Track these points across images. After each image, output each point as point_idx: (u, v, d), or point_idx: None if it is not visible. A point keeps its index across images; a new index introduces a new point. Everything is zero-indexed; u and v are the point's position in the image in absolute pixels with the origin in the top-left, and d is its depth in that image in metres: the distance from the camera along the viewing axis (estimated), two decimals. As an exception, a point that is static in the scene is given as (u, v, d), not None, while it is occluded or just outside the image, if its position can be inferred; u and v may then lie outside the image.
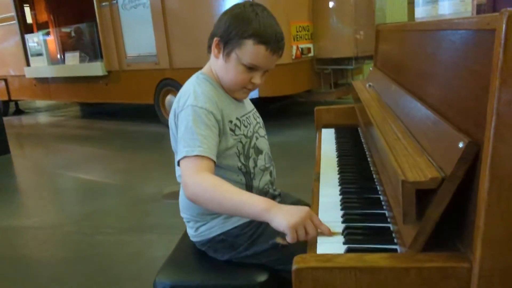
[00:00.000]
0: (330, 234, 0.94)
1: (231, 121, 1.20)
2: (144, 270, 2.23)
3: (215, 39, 1.18)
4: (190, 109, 1.12)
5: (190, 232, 1.30)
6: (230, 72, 1.18)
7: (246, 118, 1.27)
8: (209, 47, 1.22)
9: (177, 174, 1.27)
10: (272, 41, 1.13)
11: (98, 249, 2.57)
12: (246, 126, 1.25)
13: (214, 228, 1.23)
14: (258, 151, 1.27)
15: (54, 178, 4.29)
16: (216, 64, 1.21)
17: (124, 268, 2.31)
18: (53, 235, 2.85)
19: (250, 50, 1.13)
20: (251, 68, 1.16)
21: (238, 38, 1.12)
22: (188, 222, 1.30)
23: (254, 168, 1.24)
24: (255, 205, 0.98)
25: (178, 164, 1.13)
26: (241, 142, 1.21)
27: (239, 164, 1.21)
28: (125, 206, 3.28)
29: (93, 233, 2.81)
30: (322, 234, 0.94)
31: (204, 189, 1.04)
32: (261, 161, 1.27)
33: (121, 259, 2.42)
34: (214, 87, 1.22)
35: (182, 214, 1.32)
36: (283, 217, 0.93)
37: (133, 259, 2.40)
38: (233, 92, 1.24)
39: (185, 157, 1.08)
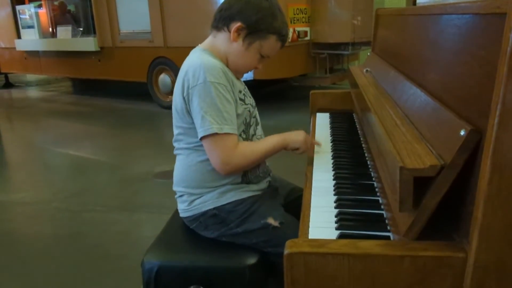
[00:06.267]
0: (320, 144, 1.41)
1: (240, 91, 1.25)
2: (132, 249, 2.22)
3: (238, 24, 1.19)
4: (210, 85, 1.14)
5: (182, 206, 1.29)
6: (247, 58, 1.25)
7: (247, 91, 1.33)
8: (224, 25, 1.22)
9: (177, 146, 1.28)
10: (286, 39, 1.27)
11: (86, 226, 2.55)
12: (250, 97, 1.31)
13: (208, 202, 1.24)
14: (257, 122, 1.32)
15: (44, 154, 4.23)
16: (230, 46, 1.23)
17: (112, 246, 2.30)
18: (41, 211, 2.83)
19: (271, 44, 1.24)
20: (263, 57, 1.26)
21: (266, 32, 1.21)
22: (182, 196, 1.29)
23: (253, 136, 1.29)
24: (278, 142, 1.26)
25: (201, 138, 1.16)
26: (249, 111, 1.27)
27: (241, 131, 1.25)
28: (115, 184, 3.25)
29: (81, 210, 2.79)
30: (316, 143, 1.40)
31: (246, 158, 1.20)
32: (259, 131, 1.33)
33: (110, 237, 2.40)
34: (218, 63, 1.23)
35: (176, 188, 1.31)
36: (295, 138, 1.29)
37: (121, 237, 2.39)
38: (237, 73, 1.29)
39: (215, 133, 1.13)
